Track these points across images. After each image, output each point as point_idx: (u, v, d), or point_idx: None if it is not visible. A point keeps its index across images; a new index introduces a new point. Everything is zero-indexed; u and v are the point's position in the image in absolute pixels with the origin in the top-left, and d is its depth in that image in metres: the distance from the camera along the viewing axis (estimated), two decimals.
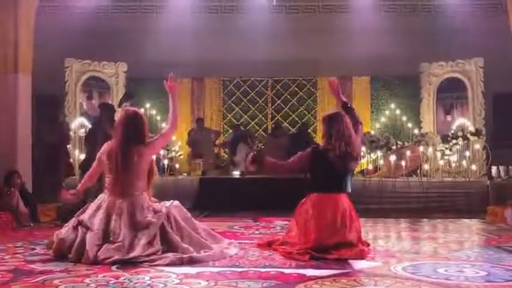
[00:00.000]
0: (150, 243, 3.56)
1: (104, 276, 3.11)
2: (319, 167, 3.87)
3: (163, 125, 10.01)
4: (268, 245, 4.06)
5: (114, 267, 3.34)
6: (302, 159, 3.93)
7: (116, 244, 3.53)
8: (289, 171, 4.10)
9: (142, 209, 3.71)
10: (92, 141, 6.41)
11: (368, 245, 3.97)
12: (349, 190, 3.90)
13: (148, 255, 3.49)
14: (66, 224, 3.82)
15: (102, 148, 3.88)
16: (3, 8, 6.71)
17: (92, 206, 3.78)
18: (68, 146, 8.05)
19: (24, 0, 6.76)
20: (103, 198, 3.80)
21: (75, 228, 3.67)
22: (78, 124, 9.57)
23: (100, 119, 6.57)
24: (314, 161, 3.89)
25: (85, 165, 6.47)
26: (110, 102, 9.98)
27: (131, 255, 3.47)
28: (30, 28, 6.95)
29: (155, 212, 3.74)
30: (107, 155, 3.80)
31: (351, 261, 3.55)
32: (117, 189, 3.75)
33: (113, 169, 3.76)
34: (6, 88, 6.69)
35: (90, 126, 8.18)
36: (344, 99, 4.14)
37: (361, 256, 3.67)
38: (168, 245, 3.63)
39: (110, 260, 3.43)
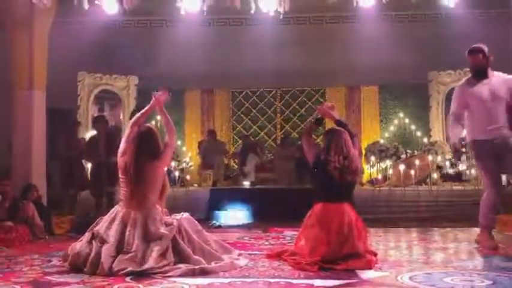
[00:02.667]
0: (163, 255, 3.66)
1: (118, 287, 3.22)
2: (320, 177, 4.01)
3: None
4: (278, 255, 4.13)
5: (128, 279, 3.44)
6: (312, 153, 4.12)
7: (129, 255, 3.63)
8: (308, 144, 4.23)
9: (155, 221, 3.81)
10: (94, 155, 6.65)
11: (375, 254, 4.03)
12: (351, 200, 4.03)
13: (161, 267, 3.59)
14: (80, 238, 3.94)
15: (118, 163, 3.99)
16: (18, 26, 6.92)
17: (106, 219, 3.89)
18: (82, 160, 8.22)
19: (38, 19, 6.97)
20: (117, 210, 3.92)
21: (89, 242, 3.78)
22: (90, 137, 9.74)
23: (97, 132, 6.88)
24: (315, 169, 4.04)
25: (93, 178, 6.69)
26: (117, 114, 10.23)
27: (145, 267, 3.57)
28: (44, 45, 7.15)
29: (167, 225, 3.84)
30: (121, 170, 3.93)
31: (358, 272, 3.61)
32: (131, 202, 3.86)
33: (128, 182, 3.88)
34: (21, 104, 6.89)
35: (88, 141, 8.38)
36: (337, 117, 4.25)
37: (369, 266, 3.73)
38: (180, 257, 3.72)
39: (124, 271, 3.53)
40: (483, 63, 4.53)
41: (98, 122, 7.14)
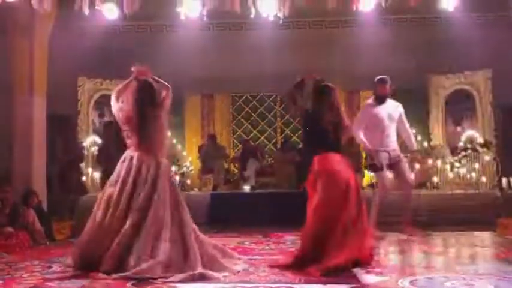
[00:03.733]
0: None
1: None
2: (314, 132, 4.06)
3: (174, 141, 10.20)
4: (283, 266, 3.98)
5: (129, 284, 3.43)
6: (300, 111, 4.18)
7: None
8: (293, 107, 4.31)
9: (154, 167, 3.89)
10: (105, 159, 6.64)
11: (371, 255, 4.02)
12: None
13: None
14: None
15: (119, 118, 4.08)
16: (19, 31, 6.93)
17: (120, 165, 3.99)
18: (80, 164, 8.22)
19: (39, 24, 6.99)
20: (127, 156, 4.00)
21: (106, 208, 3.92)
22: (90, 142, 9.72)
23: (106, 137, 6.88)
24: (307, 125, 4.10)
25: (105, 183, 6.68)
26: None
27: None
28: (44, 51, 7.18)
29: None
30: (124, 120, 4.02)
31: (359, 276, 3.60)
32: (142, 146, 3.95)
33: (134, 130, 3.98)
34: (21, 110, 6.89)
35: (98, 146, 8.37)
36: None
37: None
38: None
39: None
40: (387, 93, 5.75)
41: (108, 127, 7.12)
